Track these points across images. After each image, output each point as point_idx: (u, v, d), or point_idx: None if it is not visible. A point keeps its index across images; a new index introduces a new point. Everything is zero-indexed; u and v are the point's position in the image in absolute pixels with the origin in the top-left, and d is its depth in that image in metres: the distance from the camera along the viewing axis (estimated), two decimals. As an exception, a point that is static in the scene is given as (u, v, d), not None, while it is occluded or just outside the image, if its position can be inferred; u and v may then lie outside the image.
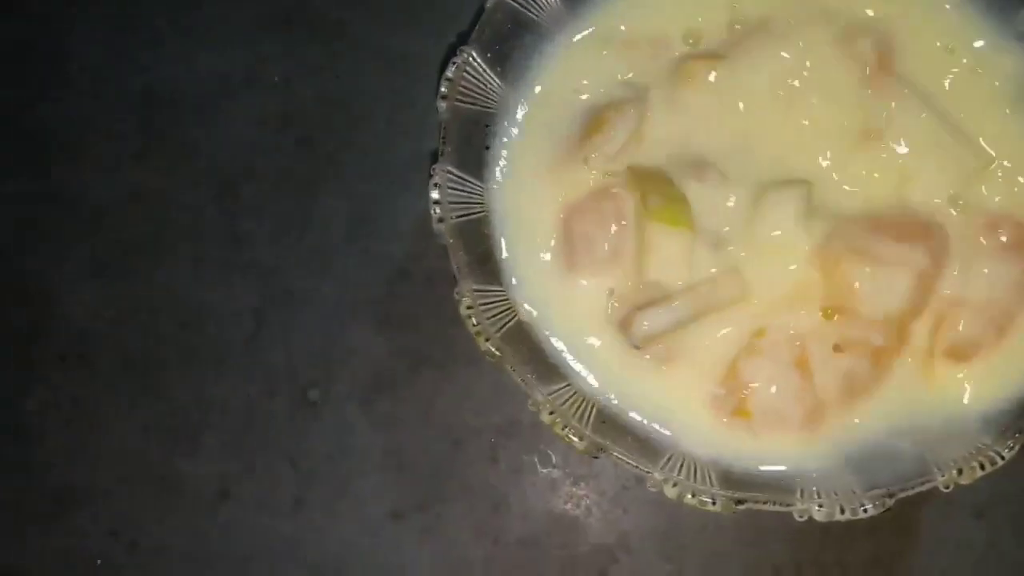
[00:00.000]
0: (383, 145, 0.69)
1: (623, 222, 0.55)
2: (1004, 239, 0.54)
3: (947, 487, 0.49)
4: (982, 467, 0.50)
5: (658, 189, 0.54)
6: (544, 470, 0.65)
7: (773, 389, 0.52)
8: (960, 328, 0.54)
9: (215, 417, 0.66)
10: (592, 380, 0.56)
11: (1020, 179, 0.55)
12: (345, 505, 0.65)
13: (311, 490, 0.65)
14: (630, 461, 0.50)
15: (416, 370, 0.66)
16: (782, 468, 0.53)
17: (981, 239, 0.54)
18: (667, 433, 0.54)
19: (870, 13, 0.56)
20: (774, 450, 0.53)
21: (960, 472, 0.49)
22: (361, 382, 0.66)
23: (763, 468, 0.53)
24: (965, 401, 0.54)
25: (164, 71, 0.72)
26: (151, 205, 0.70)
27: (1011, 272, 0.54)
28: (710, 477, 0.50)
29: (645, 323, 0.52)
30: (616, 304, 0.55)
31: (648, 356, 0.54)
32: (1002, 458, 0.50)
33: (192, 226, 0.69)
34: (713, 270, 0.54)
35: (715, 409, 0.53)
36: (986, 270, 0.54)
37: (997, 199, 0.55)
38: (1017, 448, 0.50)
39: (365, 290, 0.68)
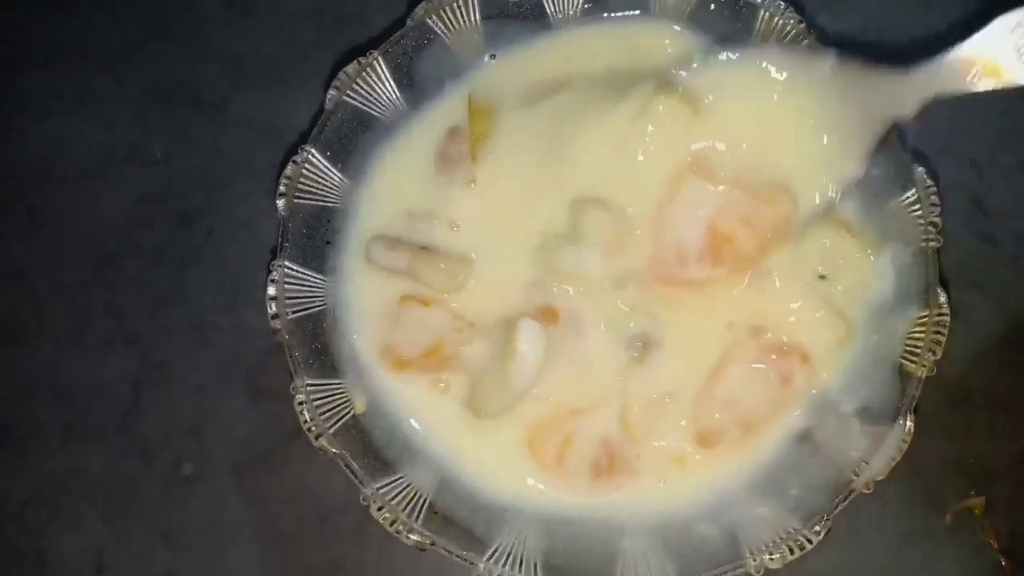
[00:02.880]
0: (259, 219, 0.70)
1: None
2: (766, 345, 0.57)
3: (758, 572, 0.51)
4: (791, 551, 0.51)
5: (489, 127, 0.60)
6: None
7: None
8: (714, 418, 0.57)
9: (91, 490, 0.67)
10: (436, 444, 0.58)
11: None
12: (217, 579, 0.65)
13: (184, 564, 0.66)
14: (457, 554, 0.51)
15: (287, 443, 0.67)
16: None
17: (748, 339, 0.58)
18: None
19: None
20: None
21: (771, 557, 0.51)
22: (234, 456, 0.67)
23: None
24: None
25: (49, 145, 0.73)
26: (33, 279, 0.70)
27: (768, 378, 0.57)
28: (535, 567, 0.52)
29: (373, 247, 0.59)
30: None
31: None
32: (810, 542, 0.52)
33: (73, 300, 0.70)
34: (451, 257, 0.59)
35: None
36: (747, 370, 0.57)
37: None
38: (825, 532, 0.52)
39: (240, 361, 0.68)
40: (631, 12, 0.62)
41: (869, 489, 0.54)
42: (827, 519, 0.52)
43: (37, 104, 0.73)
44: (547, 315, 0.58)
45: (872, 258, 0.59)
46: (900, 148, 0.58)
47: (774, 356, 0.58)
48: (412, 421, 0.59)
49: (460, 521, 0.55)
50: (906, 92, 0.52)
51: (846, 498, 0.53)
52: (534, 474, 0.58)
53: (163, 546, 0.66)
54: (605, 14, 0.63)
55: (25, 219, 0.71)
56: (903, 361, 0.56)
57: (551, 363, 0.57)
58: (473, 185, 0.61)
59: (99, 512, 0.66)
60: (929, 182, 0.57)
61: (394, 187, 0.62)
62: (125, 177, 0.72)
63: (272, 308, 0.55)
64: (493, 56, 0.63)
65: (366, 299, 0.60)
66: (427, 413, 0.59)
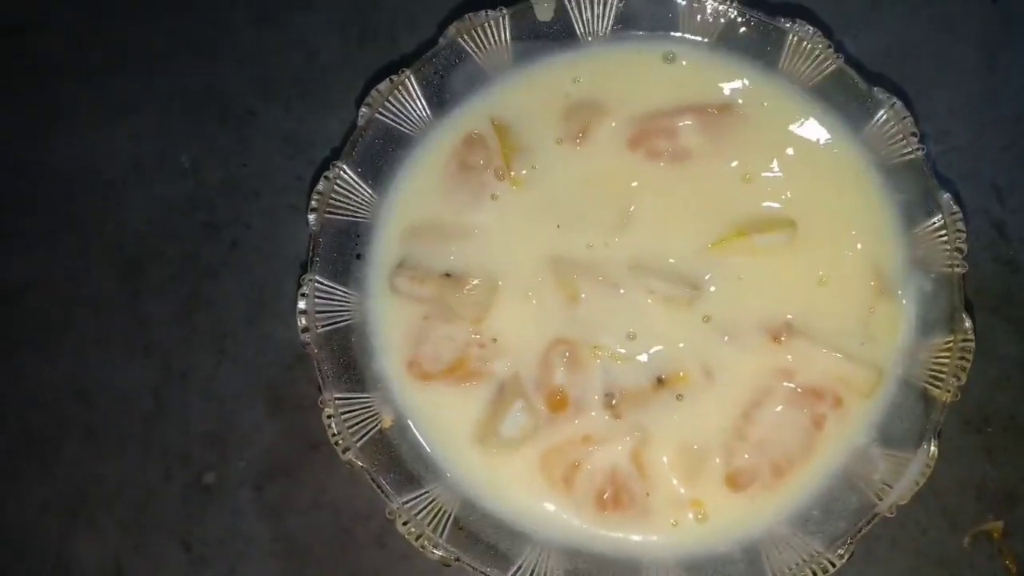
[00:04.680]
0: (285, 230, 0.71)
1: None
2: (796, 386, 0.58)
3: (781, 596, 0.51)
4: (814, 574, 0.52)
5: (520, 156, 0.61)
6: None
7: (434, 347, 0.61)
8: (743, 459, 0.57)
9: (112, 497, 0.67)
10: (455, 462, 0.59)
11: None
12: (235, 590, 0.65)
13: (202, 574, 0.66)
14: (481, 570, 0.51)
15: (309, 455, 0.67)
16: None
17: (781, 383, 0.58)
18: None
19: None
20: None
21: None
22: (255, 466, 0.67)
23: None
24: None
25: (77, 154, 0.73)
26: (59, 285, 0.71)
27: (798, 418, 0.57)
28: (558, 584, 0.52)
29: (397, 279, 0.60)
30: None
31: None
32: (833, 565, 0.52)
33: (97, 306, 0.70)
34: (476, 281, 0.59)
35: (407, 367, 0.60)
36: (777, 410, 0.57)
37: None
38: (848, 556, 0.52)
39: (262, 373, 0.69)
40: (659, 32, 0.63)
41: (892, 513, 0.54)
42: (851, 543, 0.52)
43: (66, 114, 0.74)
44: (554, 400, 0.59)
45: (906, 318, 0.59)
46: (926, 173, 0.58)
47: (807, 399, 0.58)
48: (433, 436, 0.60)
49: (485, 537, 0.55)
50: None
51: (869, 522, 0.54)
52: (545, 494, 0.58)
53: (181, 555, 0.66)
54: (638, 32, 0.63)
55: (51, 226, 0.72)
56: (927, 386, 0.56)
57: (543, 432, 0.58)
58: (495, 198, 0.61)
59: (118, 519, 0.67)
60: (955, 208, 0.57)
61: (419, 200, 0.62)
62: (152, 187, 0.72)
63: (302, 322, 0.55)
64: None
65: (392, 316, 0.61)
66: (447, 430, 0.60)
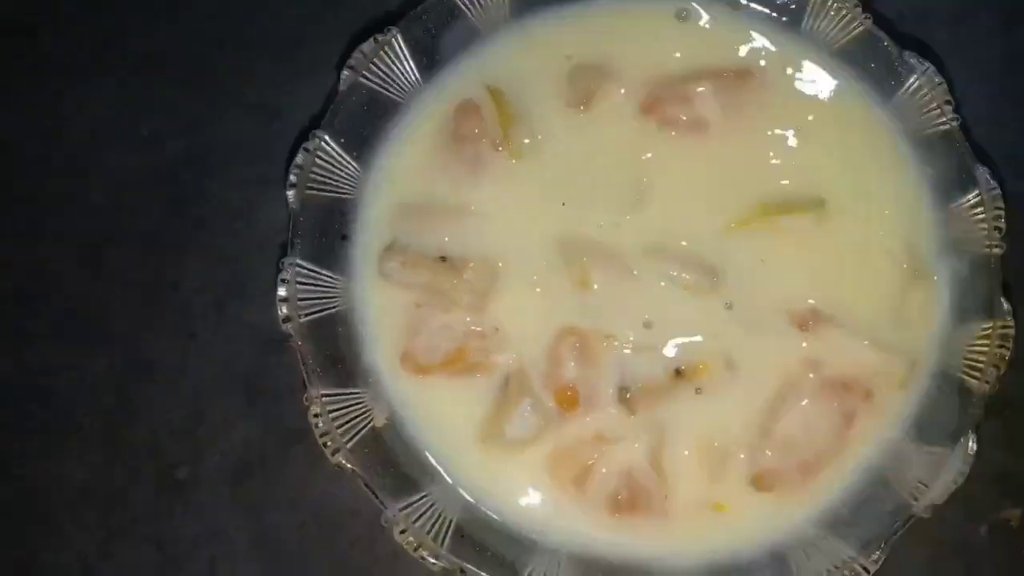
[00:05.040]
0: (255, 207, 0.67)
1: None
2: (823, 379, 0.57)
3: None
4: (846, 580, 0.50)
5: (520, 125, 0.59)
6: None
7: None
8: (768, 457, 0.56)
9: (74, 499, 0.64)
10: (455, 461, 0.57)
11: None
12: (212, 593, 0.63)
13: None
14: (483, 579, 0.49)
15: (288, 447, 0.64)
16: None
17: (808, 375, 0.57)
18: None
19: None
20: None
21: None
22: (231, 460, 0.64)
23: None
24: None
25: (27, 123, 0.69)
26: (8, 271, 0.67)
27: (827, 413, 0.56)
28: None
29: (387, 263, 0.57)
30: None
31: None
32: (867, 571, 0.51)
33: (52, 294, 0.67)
34: (473, 265, 0.57)
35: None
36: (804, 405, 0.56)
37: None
38: (882, 561, 0.51)
39: (235, 361, 0.65)
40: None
41: (928, 514, 0.53)
42: (885, 546, 0.51)
43: (16, 76, 0.69)
44: (563, 396, 0.57)
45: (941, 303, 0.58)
46: (963, 144, 0.56)
47: (836, 392, 0.56)
48: (431, 436, 0.58)
49: (489, 545, 0.53)
50: None
51: (905, 523, 0.52)
52: (554, 497, 0.56)
53: (155, 555, 0.63)
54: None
55: (2, 207, 0.68)
56: (964, 376, 0.55)
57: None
58: (493, 172, 0.59)
59: (84, 522, 0.64)
60: (993, 183, 0.55)
61: (409, 174, 0.60)
62: (111, 159, 0.68)
63: (284, 311, 0.53)
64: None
65: (382, 303, 0.58)
66: (446, 429, 0.58)
